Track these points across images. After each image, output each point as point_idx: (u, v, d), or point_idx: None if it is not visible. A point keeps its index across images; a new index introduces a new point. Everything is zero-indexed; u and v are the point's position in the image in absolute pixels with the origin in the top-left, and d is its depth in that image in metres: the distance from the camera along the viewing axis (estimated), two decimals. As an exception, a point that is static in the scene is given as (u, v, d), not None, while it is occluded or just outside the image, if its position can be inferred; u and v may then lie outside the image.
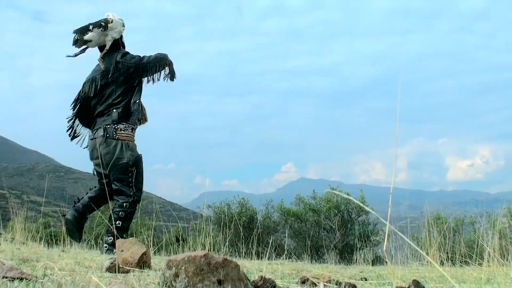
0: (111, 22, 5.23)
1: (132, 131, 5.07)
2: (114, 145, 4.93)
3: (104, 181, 5.14)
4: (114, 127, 4.95)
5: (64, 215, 5.08)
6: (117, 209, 4.91)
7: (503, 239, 5.62)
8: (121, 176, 4.94)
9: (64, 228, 5.14)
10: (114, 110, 5.02)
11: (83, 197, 5.19)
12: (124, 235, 4.86)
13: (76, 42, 5.24)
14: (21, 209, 6.97)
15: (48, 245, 5.91)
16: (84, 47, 5.27)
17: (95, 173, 5.29)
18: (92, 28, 5.17)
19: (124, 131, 4.99)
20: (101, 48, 5.31)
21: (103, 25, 5.20)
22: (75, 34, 5.23)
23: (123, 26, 5.36)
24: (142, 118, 5.32)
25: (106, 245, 4.87)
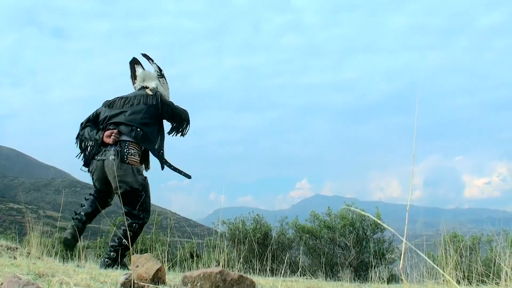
0: (166, 80, 5.67)
1: (138, 157, 5.19)
2: (125, 168, 5.02)
3: (100, 195, 5.35)
4: (126, 152, 5.05)
5: (64, 236, 5.14)
6: (123, 228, 5.00)
7: (520, 258, 5.54)
8: (132, 200, 5.02)
9: (61, 245, 5.26)
10: (139, 130, 5.16)
11: (80, 213, 5.25)
12: (126, 253, 5.05)
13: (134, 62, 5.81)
14: (37, 223, 7.01)
15: (63, 260, 5.92)
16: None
17: (95, 186, 5.39)
18: (156, 65, 5.68)
19: (133, 156, 5.10)
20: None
21: (161, 73, 5.66)
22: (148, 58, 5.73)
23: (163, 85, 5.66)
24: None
25: (107, 259, 4.93)
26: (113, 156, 5.02)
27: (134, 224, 4.98)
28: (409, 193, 1.81)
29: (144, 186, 5.07)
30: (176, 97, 5.49)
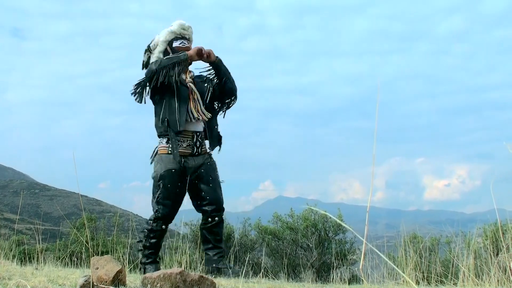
0: (153, 40, 5.03)
1: (168, 141, 4.74)
2: (154, 160, 4.84)
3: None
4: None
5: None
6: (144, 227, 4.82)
7: (478, 259, 5.67)
8: (152, 190, 4.77)
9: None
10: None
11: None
12: (142, 253, 4.74)
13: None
14: (-6, 226, 6.87)
15: (21, 263, 5.81)
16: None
17: None
18: (144, 58, 5.10)
19: (160, 144, 4.82)
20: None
21: (146, 49, 5.09)
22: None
23: (172, 31, 4.95)
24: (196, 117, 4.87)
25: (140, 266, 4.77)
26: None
27: (148, 221, 4.76)
28: (369, 195, 1.83)
29: (160, 176, 4.66)
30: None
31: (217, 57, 4.91)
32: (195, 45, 5.02)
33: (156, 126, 4.86)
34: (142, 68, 5.12)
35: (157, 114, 4.85)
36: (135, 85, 4.84)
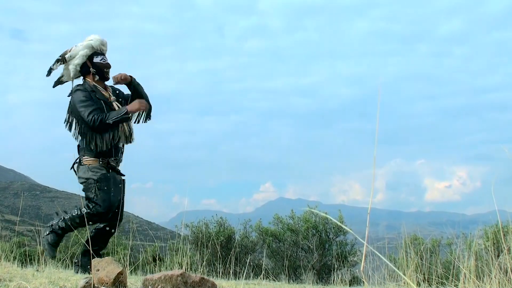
0: (69, 51, 5.16)
1: (96, 157, 4.99)
2: (80, 170, 4.98)
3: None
4: (80, 156, 5.02)
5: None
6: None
7: (479, 260, 5.67)
8: (86, 194, 4.92)
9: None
10: (78, 145, 5.10)
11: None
12: (49, 232, 5.01)
13: (54, 85, 5.41)
14: (-5, 228, 6.86)
15: (22, 265, 5.80)
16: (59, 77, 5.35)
17: None
18: (53, 66, 5.24)
19: (88, 156, 4.97)
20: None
21: (60, 59, 5.21)
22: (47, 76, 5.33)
23: (92, 46, 5.15)
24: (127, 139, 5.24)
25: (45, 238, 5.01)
26: (76, 160, 5.06)
27: (82, 210, 4.89)
28: (371, 196, 1.82)
29: (97, 179, 4.89)
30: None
31: (131, 76, 5.16)
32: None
33: (86, 146, 4.99)
34: (47, 75, 5.31)
35: (86, 135, 4.98)
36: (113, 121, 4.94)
